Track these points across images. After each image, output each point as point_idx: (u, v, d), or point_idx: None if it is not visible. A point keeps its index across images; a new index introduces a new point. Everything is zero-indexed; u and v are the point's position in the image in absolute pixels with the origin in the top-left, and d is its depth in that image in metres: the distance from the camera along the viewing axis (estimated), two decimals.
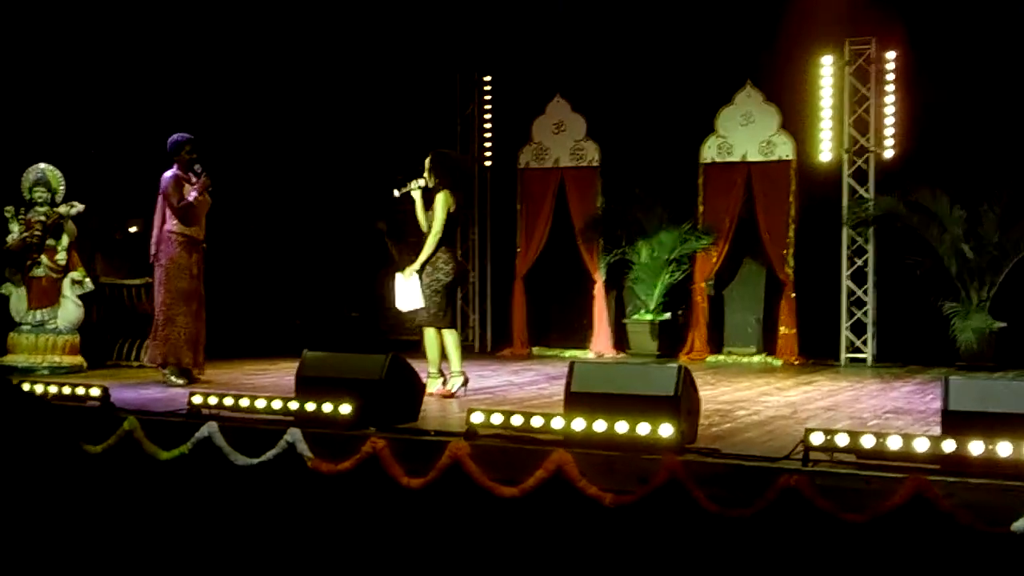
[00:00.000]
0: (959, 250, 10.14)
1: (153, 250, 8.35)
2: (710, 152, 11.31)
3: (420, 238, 7.78)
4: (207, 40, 10.95)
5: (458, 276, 7.83)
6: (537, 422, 5.54)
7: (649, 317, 11.26)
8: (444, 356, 7.69)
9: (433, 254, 7.58)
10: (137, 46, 10.49)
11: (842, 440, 4.95)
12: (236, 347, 10.60)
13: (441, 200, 7.57)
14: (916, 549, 4.54)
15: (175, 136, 8.41)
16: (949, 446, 4.72)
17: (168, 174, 8.33)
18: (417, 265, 7.58)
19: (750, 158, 11.15)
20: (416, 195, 7.72)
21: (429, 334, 7.65)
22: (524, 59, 11.82)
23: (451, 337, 7.68)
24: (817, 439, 4.98)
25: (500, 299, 12.42)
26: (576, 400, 5.54)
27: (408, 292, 7.59)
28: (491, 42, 11.83)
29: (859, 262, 10.80)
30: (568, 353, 11.47)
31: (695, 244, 11.13)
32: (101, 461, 6.48)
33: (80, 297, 9.33)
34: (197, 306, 8.41)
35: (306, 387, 6.26)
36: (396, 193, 7.81)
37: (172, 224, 8.27)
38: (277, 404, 6.24)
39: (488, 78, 12.39)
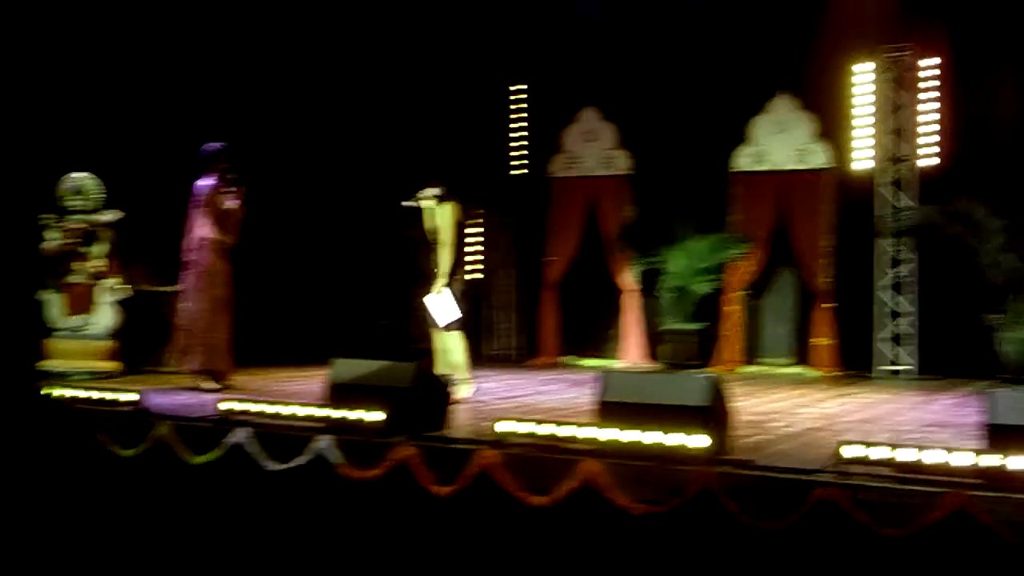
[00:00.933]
0: (1001, 260, 9.96)
1: (188, 257, 8.38)
2: (744, 161, 11.22)
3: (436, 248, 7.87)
4: (243, 49, 11.01)
5: (466, 285, 8.04)
6: (567, 431, 5.51)
7: (681, 327, 11.18)
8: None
9: (454, 264, 7.67)
10: (179, 56, 10.56)
11: (879, 453, 4.89)
12: (267, 354, 10.63)
13: (449, 211, 7.67)
14: (955, 565, 4.45)
15: (210, 145, 8.46)
16: (991, 461, 4.64)
17: (206, 183, 8.36)
18: (444, 280, 7.66)
19: (784, 167, 11.05)
20: (427, 204, 7.73)
21: (458, 339, 7.73)
22: (556, 68, 11.80)
23: (455, 339, 7.86)
24: (853, 452, 4.92)
25: (530, 308, 12.38)
26: (607, 410, 5.50)
27: (444, 307, 7.73)
28: (523, 52, 11.82)
29: (896, 272, 10.66)
30: (599, 363, 11.40)
31: (728, 253, 11.04)
32: (134, 465, 6.53)
33: (116, 303, 9.42)
34: (228, 314, 8.46)
35: (336, 394, 6.29)
36: (404, 204, 7.87)
37: (210, 232, 8.31)
38: (307, 411, 6.29)
39: (520, 87, 12.37)
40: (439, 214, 7.82)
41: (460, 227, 7.74)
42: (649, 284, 11.64)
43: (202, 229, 8.32)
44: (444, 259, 7.69)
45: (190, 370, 8.44)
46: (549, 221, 12.07)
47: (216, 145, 8.43)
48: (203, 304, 8.31)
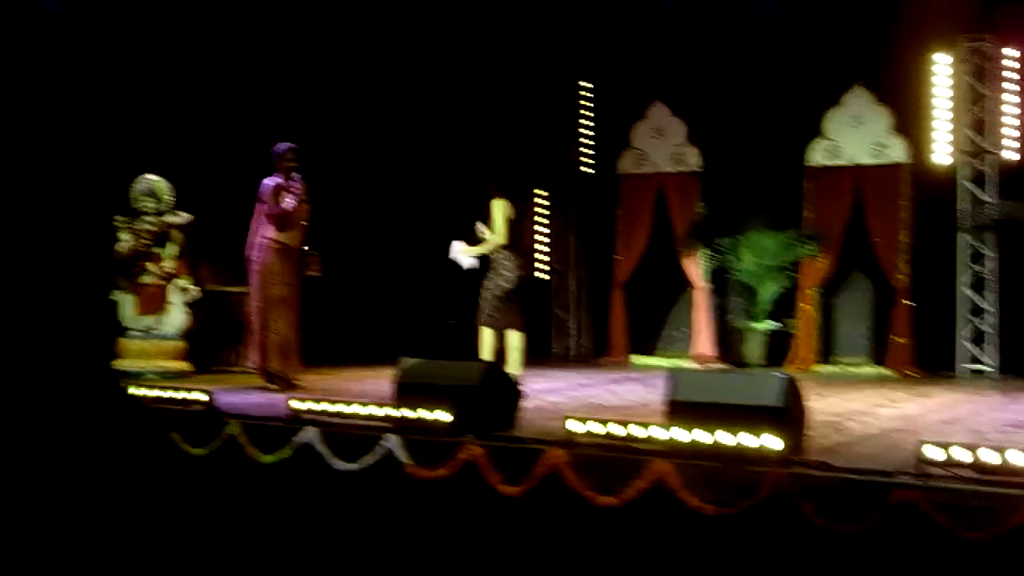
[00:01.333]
0: None
1: (249, 255, 8.45)
2: (817, 156, 10.99)
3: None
4: (314, 49, 11.09)
5: (520, 282, 8.12)
6: (636, 431, 5.44)
7: (753, 325, 10.99)
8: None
9: (495, 254, 7.96)
10: (250, 57, 10.66)
11: (960, 454, 4.74)
12: (336, 354, 10.70)
13: (498, 208, 7.89)
14: None
15: (279, 144, 8.52)
16: None
17: (268, 181, 8.44)
18: (475, 250, 8.02)
19: (860, 161, 10.80)
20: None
21: (484, 334, 7.97)
22: (624, 65, 11.69)
23: (512, 339, 7.99)
24: (933, 453, 4.78)
25: (599, 306, 12.29)
26: (677, 409, 5.41)
27: (464, 257, 8.06)
28: (591, 48, 11.73)
29: (979, 269, 10.35)
30: (669, 361, 11.27)
31: (801, 250, 10.82)
32: (205, 464, 6.61)
33: (186, 304, 9.56)
34: (290, 313, 8.46)
35: (404, 394, 6.29)
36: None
37: (268, 231, 8.36)
38: (375, 410, 6.31)
39: (588, 84, 12.28)
40: (494, 209, 7.96)
41: (509, 223, 7.87)
42: (719, 282, 11.46)
43: (261, 228, 8.39)
44: (489, 246, 7.96)
45: (252, 367, 8.55)
46: (618, 219, 11.96)
47: (283, 145, 8.48)
48: (258, 303, 8.38)
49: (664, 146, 11.74)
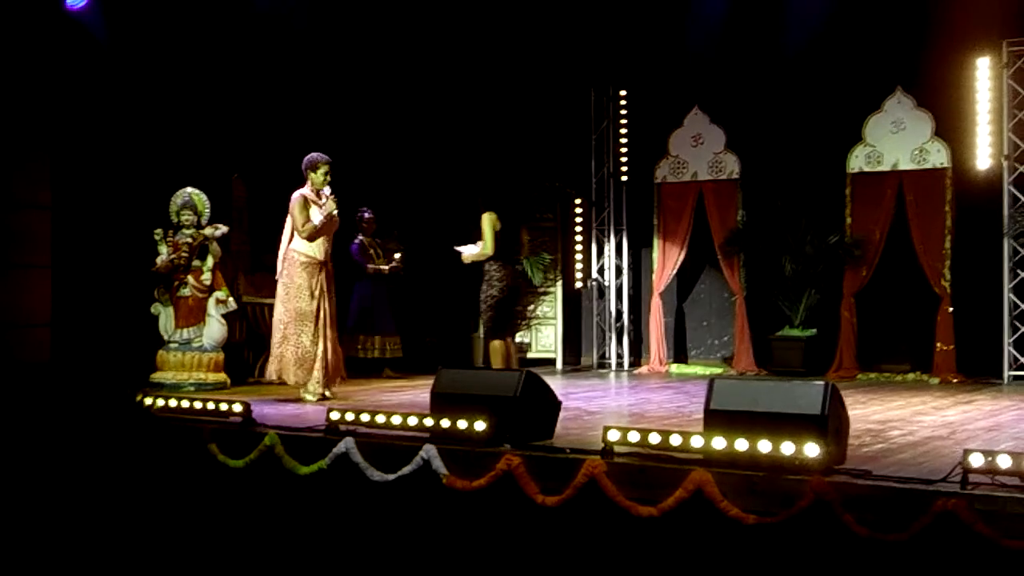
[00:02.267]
0: None
1: (279, 268, 8.44)
2: (858, 162, 10.87)
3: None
4: (345, 60, 11.17)
5: (511, 292, 8.30)
6: (676, 440, 5.38)
7: (794, 333, 10.88)
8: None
9: (487, 265, 8.24)
10: (279, 75, 10.78)
11: (1005, 462, 4.64)
12: (373, 364, 10.71)
13: (487, 220, 8.15)
14: None
15: (312, 155, 8.49)
16: None
17: (297, 194, 8.42)
18: (465, 250, 8.41)
19: (901, 167, 10.68)
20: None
21: (491, 345, 8.22)
22: (661, 72, 11.65)
23: (493, 346, 8.19)
24: (977, 461, 4.68)
25: (637, 315, 12.23)
26: (716, 418, 5.34)
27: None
28: (627, 56, 11.70)
29: (1022, 274, 10.18)
30: (708, 370, 11.18)
31: (842, 257, 10.69)
32: (243, 476, 6.62)
33: (224, 316, 9.61)
34: (317, 326, 8.35)
35: (441, 404, 6.25)
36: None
37: (295, 243, 8.36)
38: (412, 420, 6.28)
39: (624, 92, 12.25)
40: (483, 222, 8.25)
41: (497, 235, 8.16)
42: (760, 290, 11.36)
43: (289, 241, 8.40)
44: (480, 256, 8.26)
45: (268, 378, 8.51)
46: (656, 227, 11.89)
47: (317, 156, 8.47)
48: (281, 316, 8.35)
49: (703, 153, 11.66)
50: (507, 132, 12.13)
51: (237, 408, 6.99)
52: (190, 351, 9.45)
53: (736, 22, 10.80)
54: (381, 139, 11.71)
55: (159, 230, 9.60)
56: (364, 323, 10.70)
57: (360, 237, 10.79)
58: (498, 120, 12.11)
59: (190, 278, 9.57)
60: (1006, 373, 10.15)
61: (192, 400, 7.36)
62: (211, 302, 9.58)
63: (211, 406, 7.15)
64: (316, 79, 11.09)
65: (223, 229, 9.66)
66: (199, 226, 9.66)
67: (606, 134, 12.29)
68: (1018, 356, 10.17)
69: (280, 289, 8.39)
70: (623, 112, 12.25)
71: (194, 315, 9.55)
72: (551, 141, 12.13)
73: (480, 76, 11.86)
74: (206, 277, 9.61)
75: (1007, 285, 10.22)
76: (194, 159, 10.18)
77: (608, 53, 11.72)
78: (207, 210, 9.72)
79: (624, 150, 12.27)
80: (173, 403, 7.38)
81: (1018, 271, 10.20)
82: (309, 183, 8.43)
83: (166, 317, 9.59)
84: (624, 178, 12.28)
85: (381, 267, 10.79)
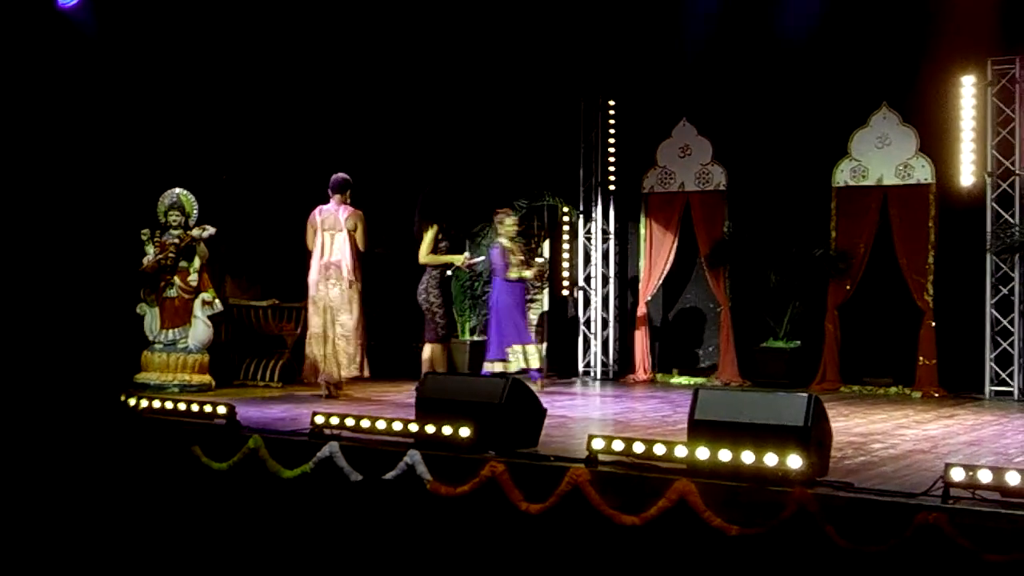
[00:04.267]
0: None
1: (348, 276, 9.08)
2: (843, 176, 10.95)
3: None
4: (330, 67, 11.15)
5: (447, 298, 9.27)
6: (660, 450, 5.41)
7: (778, 344, 10.93)
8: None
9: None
10: (266, 78, 10.77)
11: (985, 477, 4.70)
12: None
13: (429, 233, 8.87)
14: None
15: (342, 176, 9.20)
16: None
17: (344, 210, 9.21)
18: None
19: (886, 182, 10.75)
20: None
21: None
22: (650, 83, 11.69)
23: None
24: (959, 475, 4.74)
25: (623, 325, 12.26)
26: (700, 428, 5.38)
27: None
28: (616, 66, 11.74)
29: (1004, 290, 10.27)
30: (692, 380, 11.22)
31: (827, 270, 10.76)
32: (226, 478, 6.60)
33: (210, 318, 9.61)
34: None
35: (426, 410, 6.28)
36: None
37: (356, 255, 9.13)
38: (397, 426, 6.30)
39: (612, 102, 12.30)
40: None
41: (436, 245, 8.96)
42: (745, 301, 11.41)
43: (351, 251, 9.13)
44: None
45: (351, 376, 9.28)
46: (642, 237, 11.93)
47: (347, 177, 9.22)
48: (355, 321, 9.13)
49: (690, 165, 11.71)
50: (496, 141, 12.13)
51: (222, 410, 6.99)
52: (175, 352, 9.44)
53: (724, 35, 10.85)
54: (369, 148, 11.68)
55: (146, 230, 9.60)
56: None
57: None
58: (487, 129, 12.11)
59: (176, 279, 9.55)
60: (988, 388, 10.22)
61: (176, 401, 7.34)
62: (197, 303, 9.57)
63: (195, 408, 7.14)
64: (306, 82, 11.08)
65: (211, 230, 9.63)
66: (187, 227, 9.66)
67: (595, 144, 12.34)
68: (999, 372, 10.24)
69: (354, 295, 9.05)
70: (612, 122, 12.31)
71: (180, 316, 9.54)
72: (540, 150, 12.14)
73: (470, 85, 11.86)
74: (193, 278, 9.60)
75: (989, 301, 10.30)
76: (184, 159, 10.16)
77: (598, 63, 11.75)
78: (195, 211, 9.72)
79: (612, 160, 12.32)
80: (157, 404, 7.36)
81: (1000, 287, 10.28)
82: (338, 199, 9.15)
83: (151, 318, 9.57)
84: (612, 187, 12.33)
85: None
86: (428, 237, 8.85)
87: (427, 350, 8.89)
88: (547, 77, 11.78)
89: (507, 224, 10.13)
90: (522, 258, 10.14)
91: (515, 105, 11.94)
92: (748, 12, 10.71)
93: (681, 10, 10.83)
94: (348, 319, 9.02)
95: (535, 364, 9.90)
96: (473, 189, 11.63)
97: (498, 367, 9.70)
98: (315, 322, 9.12)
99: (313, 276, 9.10)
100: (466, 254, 8.97)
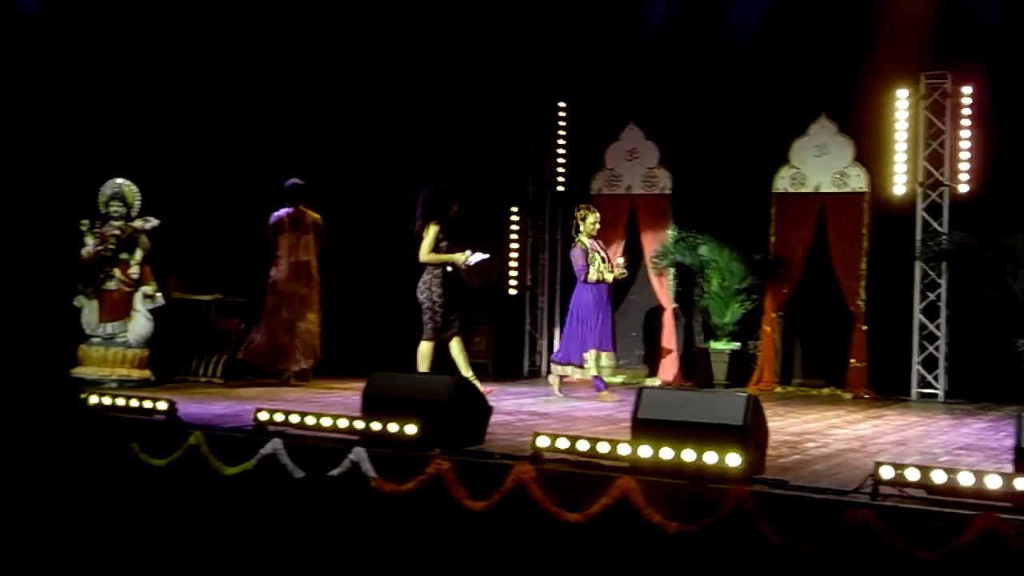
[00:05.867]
0: None
1: (318, 275, 9.99)
2: (783, 183, 11.20)
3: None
4: (285, 61, 11.08)
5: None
6: (603, 448, 5.50)
7: (719, 346, 11.13)
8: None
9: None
10: (223, 68, 10.65)
11: (912, 475, 4.87)
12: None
13: (430, 230, 8.56)
14: None
15: (298, 181, 9.91)
16: (1022, 484, 4.64)
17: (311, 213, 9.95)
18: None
19: (823, 189, 11.03)
20: None
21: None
22: (599, 86, 11.82)
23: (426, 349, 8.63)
24: (887, 473, 4.90)
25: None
26: (643, 427, 5.48)
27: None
28: (567, 69, 11.84)
29: (932, 296, 10.60)
30: (636, 380, 11.37)
31: (766, 274, 11.00)
32: (165, 475, 6.49)
33: (151, 311, 9.38)
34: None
35: (372, 407, 6.26)
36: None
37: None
38: (343, 423, 6.23)
39: (563, 104, 12.42)
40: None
41: (437, 244, 8.60)
42: (687, 303, 11.61)
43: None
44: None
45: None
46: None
47: (300, 182, 9.89)
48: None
49: (637, 168, 11.88)
50: (447, 141, 12.15)
51: (162, 406, 6.82)
52: (114, 346, 9.18)
53: (671, 42, 11.01)
54: (320, 146, 11.60)
55: (86, 220, 9.29)
56: None
57: None
58: (438, 129, 12.11)
59: (117, 271, 9.30)
60: (914, 390, 10.56)
61: (114, 396, 7.13)
62: (138, 297, 9.34)
63: (134, 403, 6.96)
64: (255, 75, 10.95)
65: (154, 222, 9.38)
66: (129, 218, 9.40)
67: (544, 145, 12.43)
68: (925, 374, 10.57)
69: (316, 294, 10.06)
70: (561, 124, 12.42)
71: (119, 309, 9.28)
72: (490, 150, 12.20)
73: (421, 85, 11.86)
74: (134, 271, 9.34)
75: (917, 306, 10.62)
76: (128, 149, 9.93)
77: (548, 65, 11.84)
78: (138, 202, 9.46)
79: (561, 161, 12.44)
80: (94, 399, 7.14)
81: (928, 293, 10.61)
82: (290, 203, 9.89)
83: (90, 310, 9.29)
84: (560, 188, 12.44)
85: None
86: (430, 235, 8.57)
87: (423, 347, 8.63)
88: (498, 77, 11.83)
89: (588, 222, 9.51)
90: (603, 256, 9.52)
91: (465, 105, 11.96)
92: (694, 21, 10.89)
93: (631, 16, 10.97)
94: (314, 315, 9.92)
95: (606, 374, 9.40)
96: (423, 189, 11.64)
97: (567, 371, 9.40)
98: (284, 314, 9.82)
99: (282, 274, 9.87)
100: (467, 252, 8.58)
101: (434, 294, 8.64)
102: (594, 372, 9.34)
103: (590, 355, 9.32)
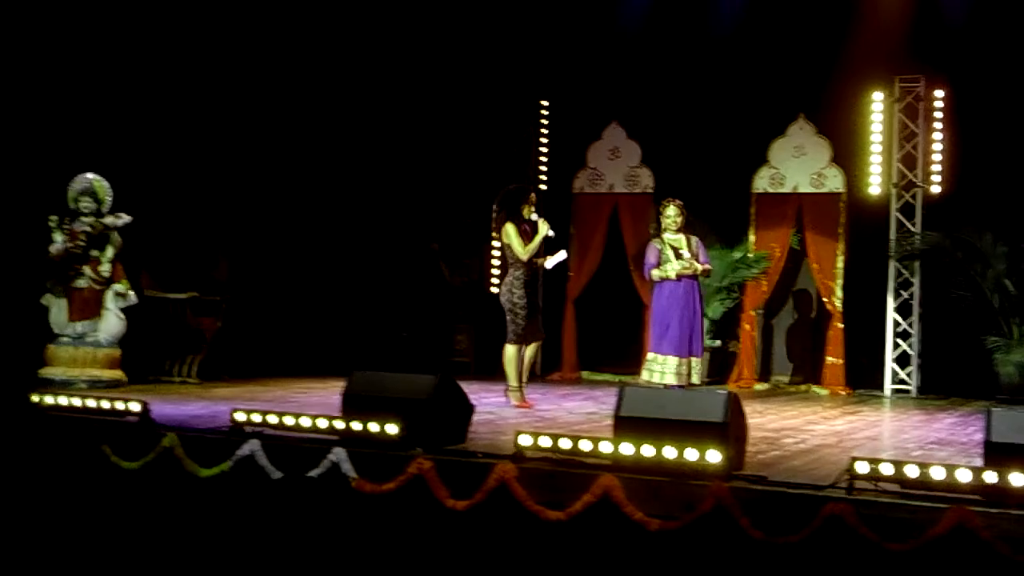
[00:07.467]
0: (1002, 285, 10.20)
1: None
2: (762, 182, 11.27)
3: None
4: (262, 56, 10.97)
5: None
6: (585, 446, 5.49)
7: None
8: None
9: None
10: (194, 60, 10.50)
11: (887, 469, 4.94)
12: (288, 365, 10.53)
13: (508, 230, 8.51)
14: None
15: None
16: (991, 477, 4.75)
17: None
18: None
19: (801, 189, 11.12)
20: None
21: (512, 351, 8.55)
22: (582, 85, 11.83)
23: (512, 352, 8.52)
24: (862, 468, 4.97)
25: (551, 322, 12.31)
26: (625, 425, 5.49)
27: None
28: (549, 67, 11.85)
29: (905, 295, 10.74)
30: (618, 378, 11.37)
31: (745, 272, 11.08)
32: (138, 478, 6.31)
33: (123, 310, 9.11)
34: None
35: (352, 406, 6.17)
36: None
37: None
38: (322, 423, 6.11)
39: (545, 103, 12.42)
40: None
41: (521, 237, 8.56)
42: None
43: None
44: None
45: None
46: (571, 236, 12.04)
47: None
48: None
49: (619, 167, 11.91)
50: (430, 140, 12.11)
51: (134, 407, 6.61)
52: (84, 346, 8.86)
53: (653, 42, 11.07)
54: (307, 145, 11.52)
55: (54, 216, 8.96)
56: None
57: None
58: (421, 128, 12.07)
59: (87, 269, 8.96)
60: (888, 387, 10.68)
61: (84, 397, 6.91)
62: (109, 295, 9.02)
63: (105, 404, 6.74)
64: (226, 71, 10.81)
65: (126, 218, 9.07)
66: (100, 214, 9.06)
67: (527, 143, 12.42)
68: (899, 371, 10.69)
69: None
70: (544, 122, 12.42)
71: (90, 308, 8.95)
72: (473, 149, 12.17)
73: (404, 84, 11.82)
74: (105, 268, 9.01)
75: (891, 305, 10.75)
76: (99, 144, 9.71)
77: (531, 64, 11.84)
78: (109, 198, 9.10)
79: (544, 159, 12.44)
80: (64, 401, 6.90)
81: (901, 292, 10.74)
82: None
83: (58, 309, 8.98)
84: (543, 187, 12.44)
85: None
86: (512, 235, 8.40)
87: (507, 350, 8.45)
88: (480, 75, 11.81)
89: (667, 215, 8.70)
90: (683, 253, 8.59)
91: (447, 102, 11.93)
92: (676, 21, 10.97)
93: (613, 16, 11.01)
94: None
95: (671, 380, 8.34)
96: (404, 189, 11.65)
97: (643, 376, 8.65)
98: None
99: None
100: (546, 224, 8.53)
101: (515, 295, 8.50)
102: (658, 379, 8.46)
103: (651, 359, 8.62)
